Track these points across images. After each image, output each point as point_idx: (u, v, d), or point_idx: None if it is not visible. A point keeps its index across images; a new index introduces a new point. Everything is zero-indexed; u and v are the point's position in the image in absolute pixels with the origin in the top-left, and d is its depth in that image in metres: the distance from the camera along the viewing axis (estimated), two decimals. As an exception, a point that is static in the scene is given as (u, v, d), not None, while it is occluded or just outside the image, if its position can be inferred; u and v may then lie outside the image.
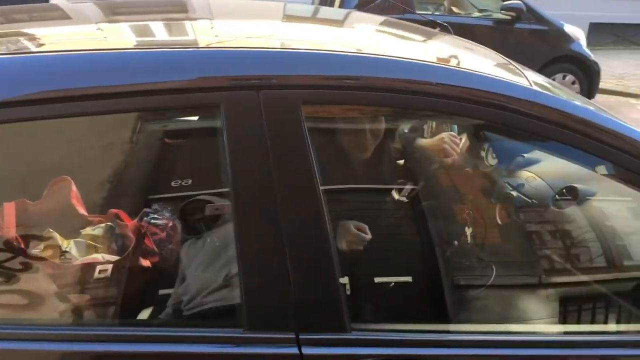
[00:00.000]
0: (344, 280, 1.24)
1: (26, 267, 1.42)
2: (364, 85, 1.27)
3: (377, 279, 1.78)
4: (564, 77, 7.39)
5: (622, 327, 1.74)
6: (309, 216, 1.22)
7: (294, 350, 1.20)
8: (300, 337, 1.21)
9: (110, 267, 1.49)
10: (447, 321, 1.70)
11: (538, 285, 1.85)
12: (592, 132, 1.35)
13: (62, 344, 1.21)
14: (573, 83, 7.40)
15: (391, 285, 1.81)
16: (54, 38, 1.55)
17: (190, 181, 1.84)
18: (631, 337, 1.50)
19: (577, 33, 7.67)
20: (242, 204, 1.21)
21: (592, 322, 1.78)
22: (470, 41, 2.08)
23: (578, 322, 1.81)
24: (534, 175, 2.17)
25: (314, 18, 2.12)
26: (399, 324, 1.35)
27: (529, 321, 1.74)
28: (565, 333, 1.71)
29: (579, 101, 1.58)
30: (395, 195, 2.17)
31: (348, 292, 1.25)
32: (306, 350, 1.20)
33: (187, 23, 1.77)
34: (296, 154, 1.22)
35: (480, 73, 1.45)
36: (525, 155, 2.28)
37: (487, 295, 1.83)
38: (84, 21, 1.73)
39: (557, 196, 2.02)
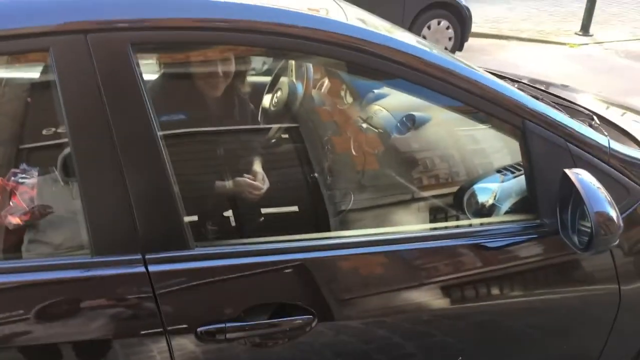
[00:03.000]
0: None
1: None
2: (205, 27, 1.37)
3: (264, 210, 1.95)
4: (438, 23, 7.75)
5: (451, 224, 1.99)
6: (147, 154, 1.32)
7: (141, 269, 1.33)
8: (146, 256, 1.34)
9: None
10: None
11: (394, 204, 2.07)
12: (435, 72, 1.52)
13: None
14: (447, 28, 7.78)
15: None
16: None
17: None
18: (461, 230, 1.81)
19: (449, -20, 8.03)
20: (81, 148, 1.29)
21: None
22: None
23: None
24: (380, 108, 2.38)
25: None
26: (242, 239, 1.50)
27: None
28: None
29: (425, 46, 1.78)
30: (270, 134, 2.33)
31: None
32: (152, 268, 1.33)
33: None
34: (129, 97, 1.30)
35: (338, 20, 1.60)
36: (375, 91, 2.50)
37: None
38: None
39: (398, 124, 2.24)
